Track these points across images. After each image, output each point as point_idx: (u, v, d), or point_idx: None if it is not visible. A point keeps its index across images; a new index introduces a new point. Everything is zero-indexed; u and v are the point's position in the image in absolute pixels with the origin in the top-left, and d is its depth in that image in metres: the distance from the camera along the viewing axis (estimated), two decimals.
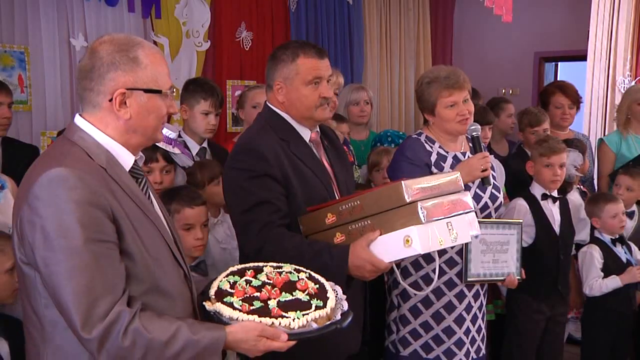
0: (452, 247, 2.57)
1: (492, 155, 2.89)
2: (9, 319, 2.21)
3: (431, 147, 2.68)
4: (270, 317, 1.54)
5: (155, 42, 4.58)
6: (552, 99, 4.12)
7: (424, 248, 1.89)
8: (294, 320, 1.54)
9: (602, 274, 3.39)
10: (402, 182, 1.90)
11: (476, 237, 2.38)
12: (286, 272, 1.75)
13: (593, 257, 3.42)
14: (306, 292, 1.66)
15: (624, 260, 3.44)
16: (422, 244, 1.88)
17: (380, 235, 1.97)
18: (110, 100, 1.55)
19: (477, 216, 2.63)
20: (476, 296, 2.73)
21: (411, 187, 1.90)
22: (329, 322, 1.60)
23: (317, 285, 1.71)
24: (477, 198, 2.67)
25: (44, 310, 1.51)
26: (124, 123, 1.58)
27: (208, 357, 1.52)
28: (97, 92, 1.56)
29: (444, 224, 1.94)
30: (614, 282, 3.36)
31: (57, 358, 1.53)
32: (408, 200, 1.89)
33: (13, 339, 2.13)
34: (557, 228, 3.24)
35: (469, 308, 2.69)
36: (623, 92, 5.09)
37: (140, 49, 1.58)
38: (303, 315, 1.56)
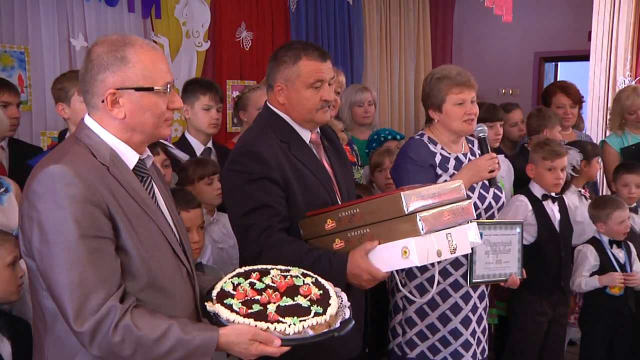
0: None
1: (502, 155, 2.87)
2: (13, 319, 2.19)
3: (434, 148, 2.67)
4: (267, 321, 1.53)
5: (155, 42, 4.58)
6: (553, 99, 4.15)
7: (421, 260, 1.87)
8: (289, 326, 1.53)
9: (587, 273, 3.41)
10: (402, 193, 1.88)
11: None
12: (292, 276, 1.73)
13: (585, 257, 3.43)
14: (308, 297, 1.64)
15: (622, 262, 3.44)
16: (419, 256, 1.86)
17: (379, 244, 1.95)
18: (103, 101, 1.57)
19: (481, 217, 2.65)
20: (481, 297, 2.72)
21: (411, 198, 1.87)
22: (325, 330, 1.58)
23: (321, 292, 1.69)
24: (481, 198, 2.66)
25: (45, 302, 1.54)
26: (120, 122, 1.59)
27: (199, 357, 1.52)
28: (92, 94, 1.58)
29: (443, 236, 1.92)
30: (593, 282, 3.38)
31: (57, 348, 1.56)
32: (407, 212, 1.87)
33: (16, 339, 2.11)
34: (557, 226, 3.28)
35: (474, 309, 2.68)
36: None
37: (129, 47, 1.57)
38: (300, 321, 1.54)
